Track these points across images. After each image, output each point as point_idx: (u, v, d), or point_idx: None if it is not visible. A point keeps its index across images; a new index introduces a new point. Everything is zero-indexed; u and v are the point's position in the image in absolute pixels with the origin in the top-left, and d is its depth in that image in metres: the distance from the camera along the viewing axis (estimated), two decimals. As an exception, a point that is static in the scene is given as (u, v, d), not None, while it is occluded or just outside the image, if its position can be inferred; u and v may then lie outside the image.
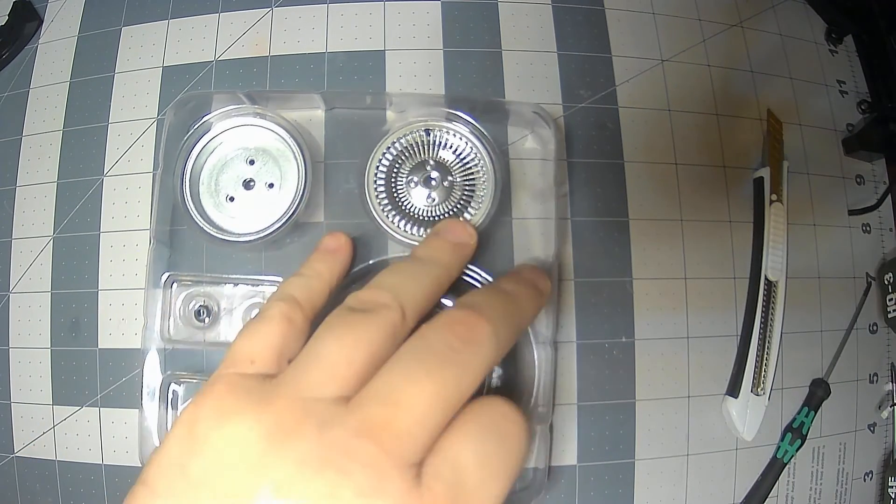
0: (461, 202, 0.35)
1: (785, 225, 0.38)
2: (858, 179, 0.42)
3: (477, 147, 0.35)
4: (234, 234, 0.34)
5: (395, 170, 0.35)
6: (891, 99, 0.42)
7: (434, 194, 0.35)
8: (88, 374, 0.37)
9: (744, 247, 0.39)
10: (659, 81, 0.40)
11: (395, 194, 0.35)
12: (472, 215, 0.35)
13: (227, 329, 0.35)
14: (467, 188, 0.35)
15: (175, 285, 0.35)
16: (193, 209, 0.35)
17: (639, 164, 0.38)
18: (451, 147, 0.36)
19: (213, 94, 0.37)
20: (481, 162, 0.35)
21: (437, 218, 0.35)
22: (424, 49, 0.39)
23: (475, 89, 0.39)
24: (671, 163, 0.39)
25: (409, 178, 0.35)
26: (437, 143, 0.36)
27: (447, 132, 0.36)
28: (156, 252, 0.35)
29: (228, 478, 0.19)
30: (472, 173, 0.35)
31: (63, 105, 0.41)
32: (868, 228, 0.42)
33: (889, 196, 0.42)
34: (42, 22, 0.43)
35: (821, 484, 0.38)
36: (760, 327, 0.37)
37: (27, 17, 0.42)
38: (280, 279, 0.35)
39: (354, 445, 0.19)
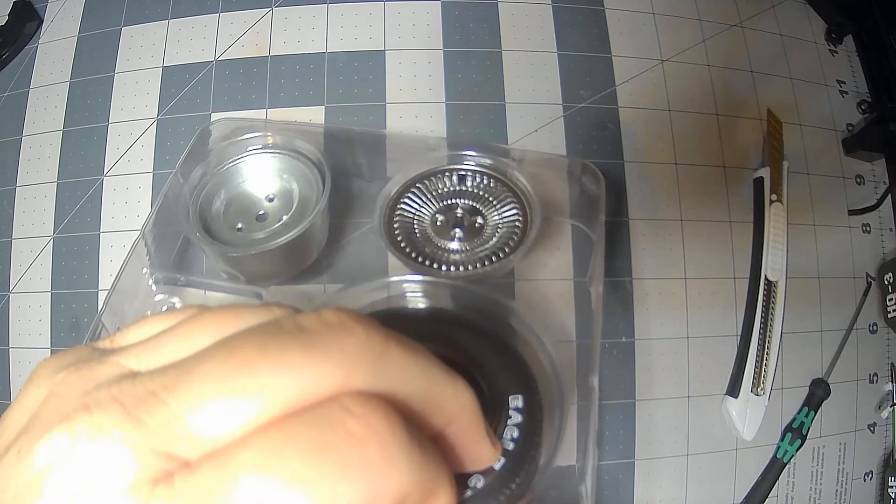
0: (490, 247, 0.33)
1: (785, 225, 0.38)
2: (858, 179, 0.42)
3: (513, 191, 0.33)
4: (238, 249, 0.33)
5: (418, 209, 0.34)
6: (891, 99, 0.42)
7: (458, 230, 0.33)
8: (88, 374, 0.37)
9: (744, 247, 0.39)
10: (659, 81, 0.40)
11: (416, 234, 0.34)
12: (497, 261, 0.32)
13: None
14: (499, 234, 0.33)
15: (164, 300, 0.34)
16: (199, 225, 0.33)
17: (639, 164, 0.38)
18: (483, 190, 0.34)
19: (250, 121, 0.36)
20: (514, 208, 0.33)
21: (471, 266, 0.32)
22: (424, 49, 0.39)
23: (475, 89, 0.39)
24: (671, 163, 0.39)
25: (435, 217, 0.34)
26: (468, 185, 0.34)
27: (481, 176, 0.34)
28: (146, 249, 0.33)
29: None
30: (506, 219, 0.34)
31: (63, 105, 0.41)
32: (868, 228, 0.42)
33: (889, 196, 0.42)
34: (42, 22, 0.43)
35: (821, 484, 0.38)
36: (760, 327, 0.37)
37: (27, 17, 0.42)
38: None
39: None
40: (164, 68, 0.40)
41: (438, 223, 0.34)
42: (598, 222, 0.33)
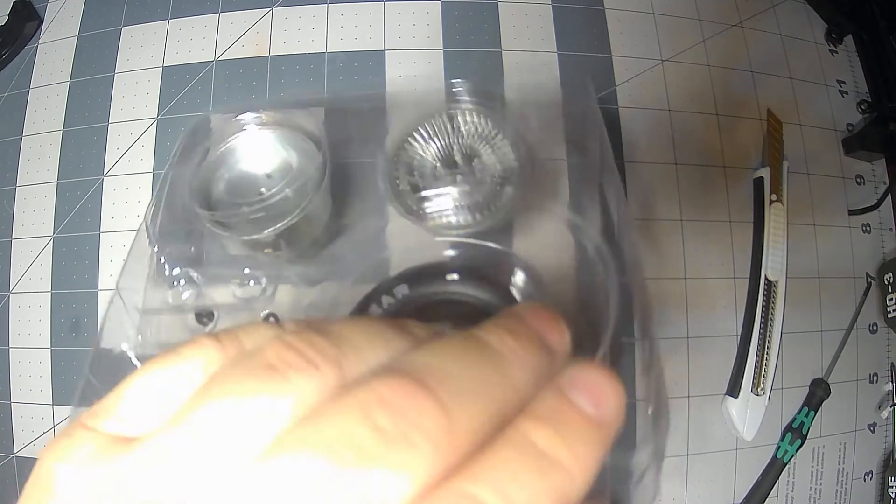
0: (495, 189, 0.33)
1: (785, 225, 0.38)
2: (858, 179, 0.42)
3: (504, 130, 0.33)
4: (242, 231, 0.32)
5: (417, 161, 0.33)
6: (891, 99, 0.42)
7: (460, 177, 0.33)
8: (88, 374, 0.37)
9: (744, 247, 0.39)
10: (659, 81, 0.40)
11: (422, 187, 0.33)
12: (497, 207, 0.32)
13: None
14: (498, 175, 0.33)
15: (176, 284, 0.33)
16: (204, 209, 0.32)
17: (639, 164, 0.38)
18: (477, 133, 0.34)
19: (215, 115, 0.35)
20: (510, 143, 0.33)
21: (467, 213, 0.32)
22: (424, 49, 0.39)
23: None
24: (671, 163, 0.39)
25: (435, 167, 0.33)
26: (460, 129, 0.34)
27: (472, 115, 0.33)
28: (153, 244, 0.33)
29: None
30: (502, 156, 0.33)
31: (63, 105, 0.41)
32: (868, 228, 0.42)
33: (889, 196, 0.42)
34: (42, 22, 0.43)
35: (821, 484, 0.38)
36: (760, 327, 0.37)
37: (27, 17, 0.42)
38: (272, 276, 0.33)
39: None
40: (164, 68, 0.40)
41: (437, 168, 0.33)
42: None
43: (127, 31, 0.41)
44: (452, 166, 0.33)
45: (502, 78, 0.39)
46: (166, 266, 0.33)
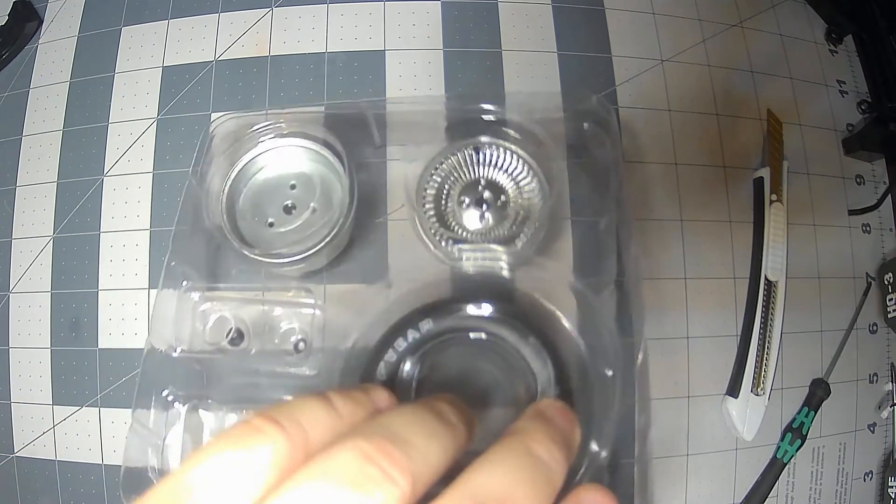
0: (515, 224, 0.33)
1: (785, 225, 0.38)
2: (858, 179, 0.42)
3: (529, 164, 0.34)
4: (271, 254, 0.32)
5: (444, 191, 0.34)
6: (891, 99, 0.42)
7: (488, 215, 0.33)
8: (88, 374, 0.37)
9: (744, 247, 0.39)
10: (659, 81, 0.40)
11: (445, 216, 0.34)
12: (525, 238, 0.33)
13: (252, 354, 0.33)
14: (522, 208, 0.33)
15: (194, 294, 0.33)
16: (230, 230, 0.33)
17: (639, 164, 0.38)
18: (502, 165, 0.34)
19: (253, 117, 0.35)
20: (534, 179, 0.33)
21: (489, 239, 0.32)
22: (424, 49, 0.39)
23: (477, 89, 0.39)
24: (671, 163, 0.39)
25: (461, 199, 0.34)
26: (487, 161, 0.34)
27: (497, 149, 0.34)
28: (172, 258, 0.33)
29: None
30: (527, 192, 0.34)
31: (63, 105, 0.41)
32: (868, 228, 0.42)
33: (889, 196, 0.42)
34: (42, 22, 0.43)
35: (821, 484, 0.38)
36: (760, 327, 0.37)
37: (27, 17, 0.42)
38: (311, 303, 0.33)
39: None
40: (164, 68, 0.40)
41: (465, 204, 0.34)
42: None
43: (127, 31, 0.41)
44: (478, 199, 0.34)
45: (502, 78, 0.39)
46: (183, 281, 0.33)
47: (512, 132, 0.34)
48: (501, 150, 0.34)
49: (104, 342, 0.37)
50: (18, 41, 0.42)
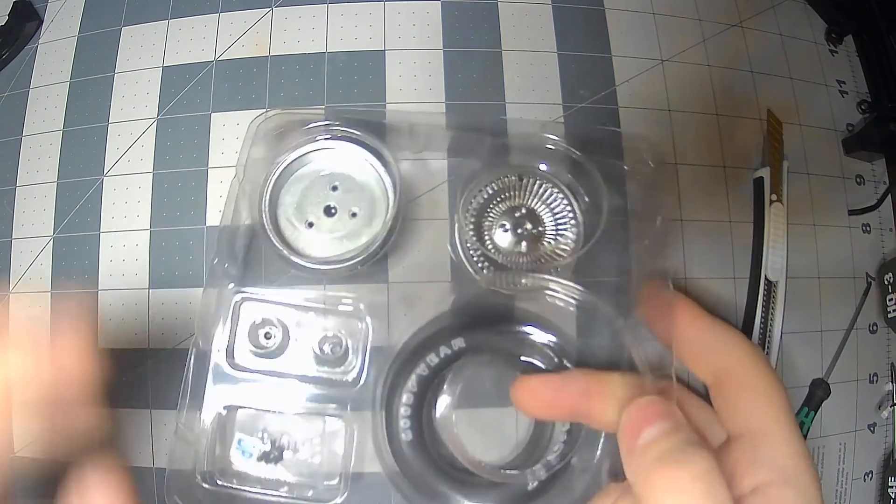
0: (545, 257, 0.34)
1: (785, 225, 0.38)
2: (858, 179, 0.42)
3: (570, 200, 0.34)
4: (312, 259, 0.33)
5: (486, 210, 0.35)
6: (891, 99, 0.42)
7: (524, 243, 0.34)
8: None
9: (744, 247, 0.39)
10: (659, 81, 0.40)
11: (483, 235, 0.34)
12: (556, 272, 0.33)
13: (293, 358, 0.33)
14: (557, 241, 0.34)
15: (241, 299, 0.33)
16: (272, 230, 0.33)
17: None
18: (543, 196, 0.35)
19: (301, 113, 0.35)
20: (571, 216, 0.34)
21: (519, 263, 0.33)
22: (424, 49, 0.39)
23: (475, 89, 0.39)
24: (671, 163, 0.39)
25: (500, 221, 0.34)
26: (530, 190, 0.35)
27: (541, 180, 0.35)
28: (219, 262, 0.33)
29: None
30: (562, 226, 0.34)
31: (63, 105, 0.41)
32: (868, 228, 0.42)
33: (889, 196, 0.42)
34: (42, 22, 0.43)
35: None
36: (760, 327, 0.37)
37: (27, 17, 0.42)
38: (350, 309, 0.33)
39: None
40: (164, 68, 0.40)
41: (506, 230, 0.34)
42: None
43: (127, 31, 0.41)
44: (518, 225, 0.34)
45: (502, 78, 0.39)
46: (229, 283, 0.33)
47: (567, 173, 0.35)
48: (554, 190, 0.35)
49: (104, 342, 0.37)
50: (18, 41, 0.42)
